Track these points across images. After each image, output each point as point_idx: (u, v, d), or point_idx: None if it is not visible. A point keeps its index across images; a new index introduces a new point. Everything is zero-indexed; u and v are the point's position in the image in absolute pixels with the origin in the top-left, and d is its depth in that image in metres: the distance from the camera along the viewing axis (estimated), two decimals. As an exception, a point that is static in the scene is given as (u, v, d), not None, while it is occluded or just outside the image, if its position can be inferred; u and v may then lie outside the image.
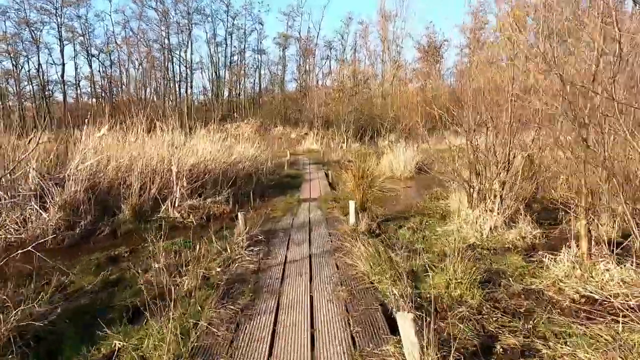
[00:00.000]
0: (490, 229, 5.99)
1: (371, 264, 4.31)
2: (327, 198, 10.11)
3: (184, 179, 9.39)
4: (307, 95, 36.57)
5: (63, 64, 35.18)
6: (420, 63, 41.71)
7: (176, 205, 8.59)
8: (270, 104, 41.65)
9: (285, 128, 35.02)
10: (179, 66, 40.36)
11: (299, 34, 43.02)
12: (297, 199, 10.32)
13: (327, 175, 14.67)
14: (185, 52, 39.78)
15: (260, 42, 44.37)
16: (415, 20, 53.65)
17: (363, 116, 30.81)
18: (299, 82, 44.29)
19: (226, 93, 43.57)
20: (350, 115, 28.73)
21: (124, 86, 40.75)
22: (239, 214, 6.18)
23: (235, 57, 43.92)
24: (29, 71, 35.31)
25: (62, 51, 34.99)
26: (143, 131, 10.40)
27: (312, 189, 11.77)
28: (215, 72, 42.11)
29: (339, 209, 8.35)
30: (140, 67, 40.05)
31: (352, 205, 6.49)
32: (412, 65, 42.68)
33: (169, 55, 39.83)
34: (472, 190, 6.45)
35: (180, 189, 8.96)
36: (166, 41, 38.98)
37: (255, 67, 44.77)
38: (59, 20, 34.46)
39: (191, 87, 41.09)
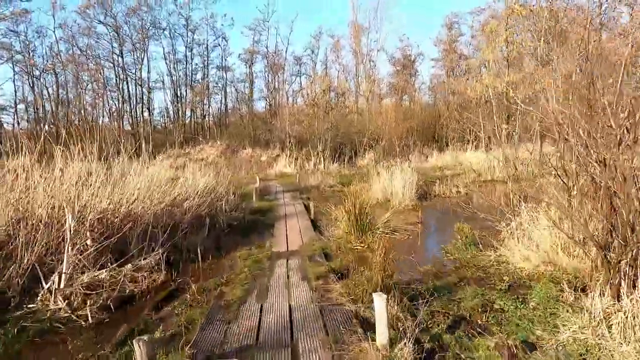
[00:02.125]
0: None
1: None
2: (313, 250, 6.85)
3: (87, 234, 5.93)
4: (278, 113, 33.43)
5: (-4, 86, 30.71)
6: (396, 77, 39.61)
7: (62, 285, 5.08)
8: (238, 125, 38.22)
9: (254, 150, 31.54)
10: (135, 86, 36.47)
11: (267, 49, 40.18)
12: (268, 253, 7.00)
13: (307, 208, 11.41)
14: (141, 69, 36.01)
15: (225, 59, 41.10)
16: (390, 33, 51.87)
17: (339, 133, 27.92)
18: (268, 100, 41.13)
19: (189, 114, 39.87)
20: (327, 133, 25.73)
21: (74, 109, 36.42)
22: (135, 345, 2.78)
23: (198, 75, 40.50)
24: (-44, 95, 30.62)
25: (-5, 71, 30.60)
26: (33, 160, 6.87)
27: (289, 232, 8.47)
28: (175, 92, 38.42)
29: (339, 283, 5.04)
30: (89, 87, 35.95)
31: (379, 304, 3.12)
32: (387, 80, 40.57)
33: (124, 75, 35.95)
34: (618, 260, 3.33)
35: (76, 255, 5.48)
36: (120, 59, 35.18)
37: (220, 85, 41.41)
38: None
39: (148, 109, 37.10)
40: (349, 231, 7.80)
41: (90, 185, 6.66)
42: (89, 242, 5.90)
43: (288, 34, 49.37)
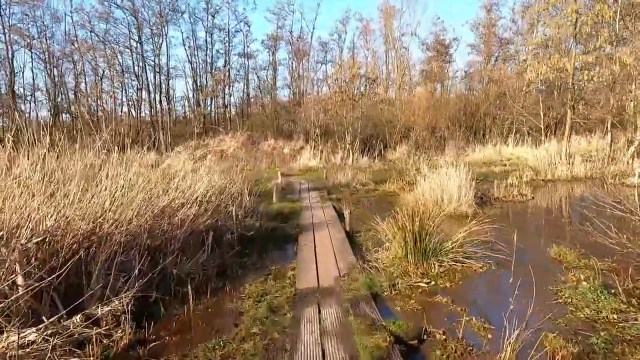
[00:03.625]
0: None
1: None
2: (356, 290, 4.63)
3: (17, 267, 3.89)
4: (302, 102, 31.22)
5: (12, 72, 29.65)
6: (428, 63, 36.63)
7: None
8: (261, 114, 36.24)
9: (277, 141, 29.47)
10: (153, 74, 34.88)
11: (291, 34, 37.93)
12: (290, 290, 4.84)
13: (339, 214, 9.19)
14: (159, 56, 34.36)
15: (248, 46, 39.04)
16: (424, 17, 48.58)
17: (369, 124, 25.50)
18: (291, 88, 38.99)
19: (209, 102, 38.12)
20: (356, 122, 23.33)
21: (91, 97, 35.22)
22: None
23: (219, 62, 38.65)
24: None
25: (10, 59, 29.50)
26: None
27: (319, 253, 6.28)
28: (194, 79, 36.67)
29: None
30: (106, 74, 34.58)
31: None
32: (420, 67, 37.63)
33: (143, 63, 34.40)
34: None
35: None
36: (138, 45, 33.63)
37: (242, 73, 39.45)
38: (4, 21, 29.05)
39: (167, 97, 35.52)
40: (404, 256, 5.54)
41: (40, 194, 4.65)
42: (19, 280, 3.87)
43: (313, 18, 46.92)
